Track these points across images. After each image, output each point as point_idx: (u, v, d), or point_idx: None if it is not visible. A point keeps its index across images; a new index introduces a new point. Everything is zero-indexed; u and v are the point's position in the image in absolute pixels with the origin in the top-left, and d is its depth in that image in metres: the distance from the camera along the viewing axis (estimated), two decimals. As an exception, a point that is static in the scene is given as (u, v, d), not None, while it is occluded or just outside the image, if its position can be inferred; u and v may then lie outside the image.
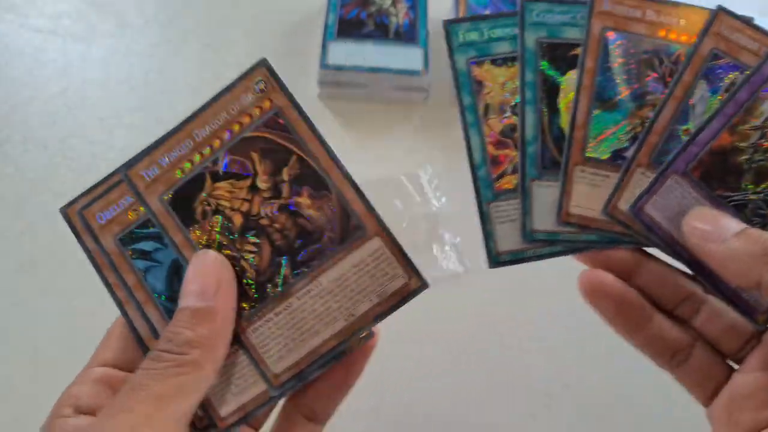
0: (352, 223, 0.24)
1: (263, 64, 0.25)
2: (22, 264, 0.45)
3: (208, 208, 0.25)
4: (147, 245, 0.26)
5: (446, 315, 0.44)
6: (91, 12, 0.62)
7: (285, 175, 0.25)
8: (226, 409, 0.24)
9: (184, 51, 0.60)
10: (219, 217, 0.25)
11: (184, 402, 0.22)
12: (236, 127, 0.25)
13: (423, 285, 0.24)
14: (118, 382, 0.25)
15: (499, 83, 0.28)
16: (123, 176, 0.25)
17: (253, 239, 0.25)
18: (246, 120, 0.25)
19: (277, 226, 0.25)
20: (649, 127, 0.27)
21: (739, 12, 0.27)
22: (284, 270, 0.24)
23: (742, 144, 0.26)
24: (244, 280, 0.24)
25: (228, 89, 0.25)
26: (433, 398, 0.41)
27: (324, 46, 0.56)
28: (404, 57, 0.56)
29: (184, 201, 0.25)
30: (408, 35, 0.58)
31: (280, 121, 0.25)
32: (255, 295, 0.24)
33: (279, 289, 0.24)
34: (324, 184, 0.25)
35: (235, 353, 0.24)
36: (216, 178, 0.25)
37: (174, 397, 0.21)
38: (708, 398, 0.27)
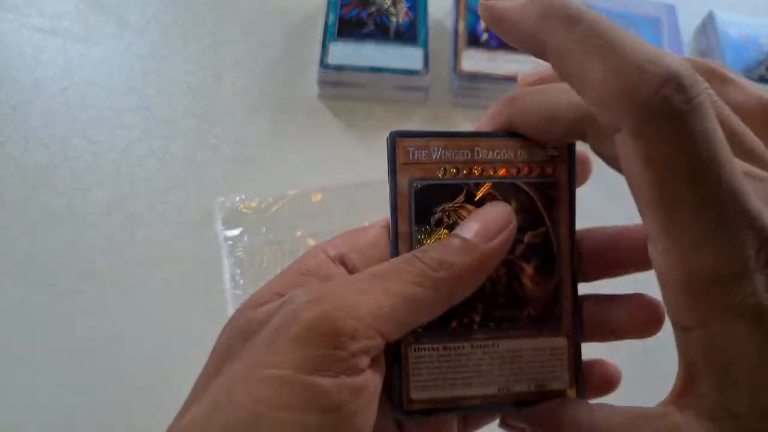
0: (555, 312, 0.25)
1: (570, 142, 0.25)
2: (22, 264, 0.45)
3: (446, 219, 0.24)
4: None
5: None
6: (91, 12, 0.62)
7: (526, 237, 0.25)
8: None
9: (185, 51, 0.60)
10: (448, 233, 0.24)
11: (412, 314, 0.21)
12: (513, 171, 0.25)
13: (579, 396, 0.25)
14: None
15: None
16: (389, 137, 0.24)
17: None
18: (524, 170, 0.25)
19: (493, 274, 0.24)
20: None
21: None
22: (475, 316, 0.24)
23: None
24: None
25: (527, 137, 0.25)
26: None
27: (324, 46, 0.56)
28: (404, 57, 0.56)
29: (429, 200, 0.24)
30: (408, 35, 0.58)
31: (551, 193, 0.25)
32: (437, 321, 0.24)
33: (461, 328, 0.24)
34: (552, 267, 0.25)
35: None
36: (470, 198, 0.25)
37: (402, 301, 0.20)
38: None
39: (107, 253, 0.46)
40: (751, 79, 0.59)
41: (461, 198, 0.24)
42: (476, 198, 0.24)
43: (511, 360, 0.24)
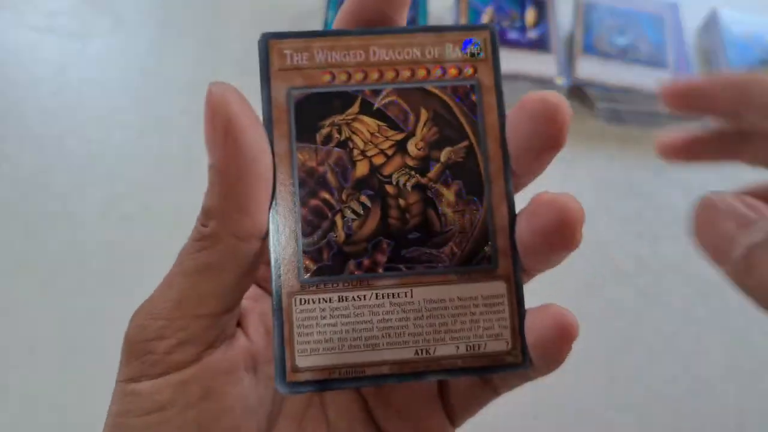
0: (486, 251, 0.19)
1: (490, 28, 0.20)
2: (19, 264, 0.45)
3: (336, 135, 0.19)
4: None
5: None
6: (88, 10, 0.61)
7: (444, 155, 0.20)
8: None
9: (181, 49, 0.59)
10: (340, 152, 0.19)
11: (212, 280, 0.18)
12: (421, 72, 0.20)
13: (523, 364, 0.19)
14: None
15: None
16: (260, 40, 0.19)
17: (365, 200, 0.19)
18: (436, 71, 0.20)
19: (401, 202, 0.19)
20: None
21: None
22: (380, 255, 0.19)
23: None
24: (325, 239, 0.19)
25: (436, 29, 0.20)
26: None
27: (323, 44, 0.56)
28: (404, 55, 0.56)
29: (314, 111, 0.19)
30: (408, 33, 0.57)
31: (473, 97, 0.20)
32: (329, 263, 0.19)
33: (360, 272, 0.19)
34: (479, 191, 0.20)
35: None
36: (366, 109, 0.20)
37: (198, 278, 0.18)
38: None
39: (103, 253, 0.46)
40: (756, 77, 0.58)
41: (355, 108, 0.20)
42: (375, 107, 0.20)
43: (431, 313, 0.19)
